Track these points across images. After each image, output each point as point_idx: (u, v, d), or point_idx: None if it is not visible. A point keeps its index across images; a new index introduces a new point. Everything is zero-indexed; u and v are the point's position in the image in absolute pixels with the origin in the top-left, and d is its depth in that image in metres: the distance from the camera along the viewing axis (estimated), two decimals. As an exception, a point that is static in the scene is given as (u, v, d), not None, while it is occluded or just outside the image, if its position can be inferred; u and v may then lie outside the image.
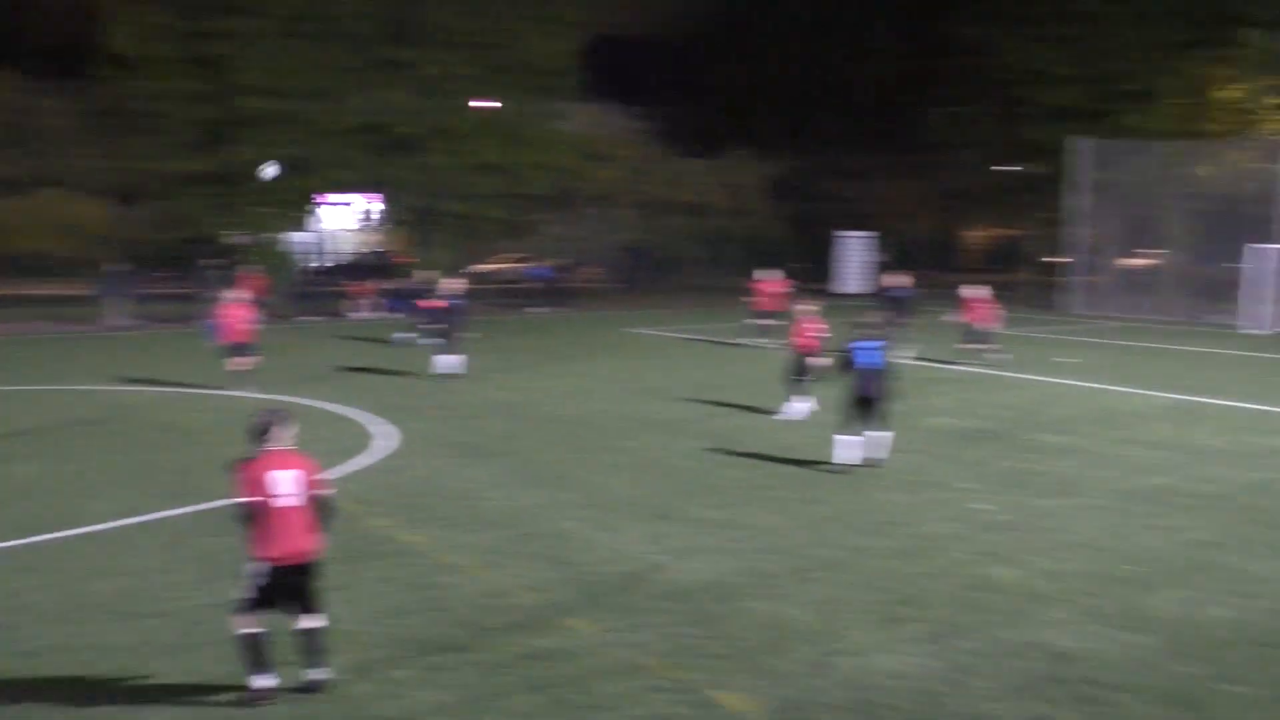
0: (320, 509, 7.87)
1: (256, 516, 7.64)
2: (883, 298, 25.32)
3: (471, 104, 46.71)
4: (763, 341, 28.74)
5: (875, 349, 14.83)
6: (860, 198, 59.72)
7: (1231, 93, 45.55)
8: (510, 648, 8.64)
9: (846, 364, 14.79)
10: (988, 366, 24.85)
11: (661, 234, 52.76)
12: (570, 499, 13.21)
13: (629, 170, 50.88)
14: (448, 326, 23.35)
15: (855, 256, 52.22)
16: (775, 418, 18.53)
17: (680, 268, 56.40)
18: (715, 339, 32.11)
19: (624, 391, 21.77)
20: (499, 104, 46.95)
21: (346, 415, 18.91)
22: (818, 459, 15.26)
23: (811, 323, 18.92)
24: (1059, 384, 22.76)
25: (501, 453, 15.93)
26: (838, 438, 14.77)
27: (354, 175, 45.33)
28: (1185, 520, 12.17)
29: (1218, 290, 43.64)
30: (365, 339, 31.69)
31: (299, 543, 7.71)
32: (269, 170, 20.93)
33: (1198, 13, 46.69)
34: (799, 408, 18.69)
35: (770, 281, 30.86)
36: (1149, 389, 21.92)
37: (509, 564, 10.73)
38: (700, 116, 70.39)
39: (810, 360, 18.53)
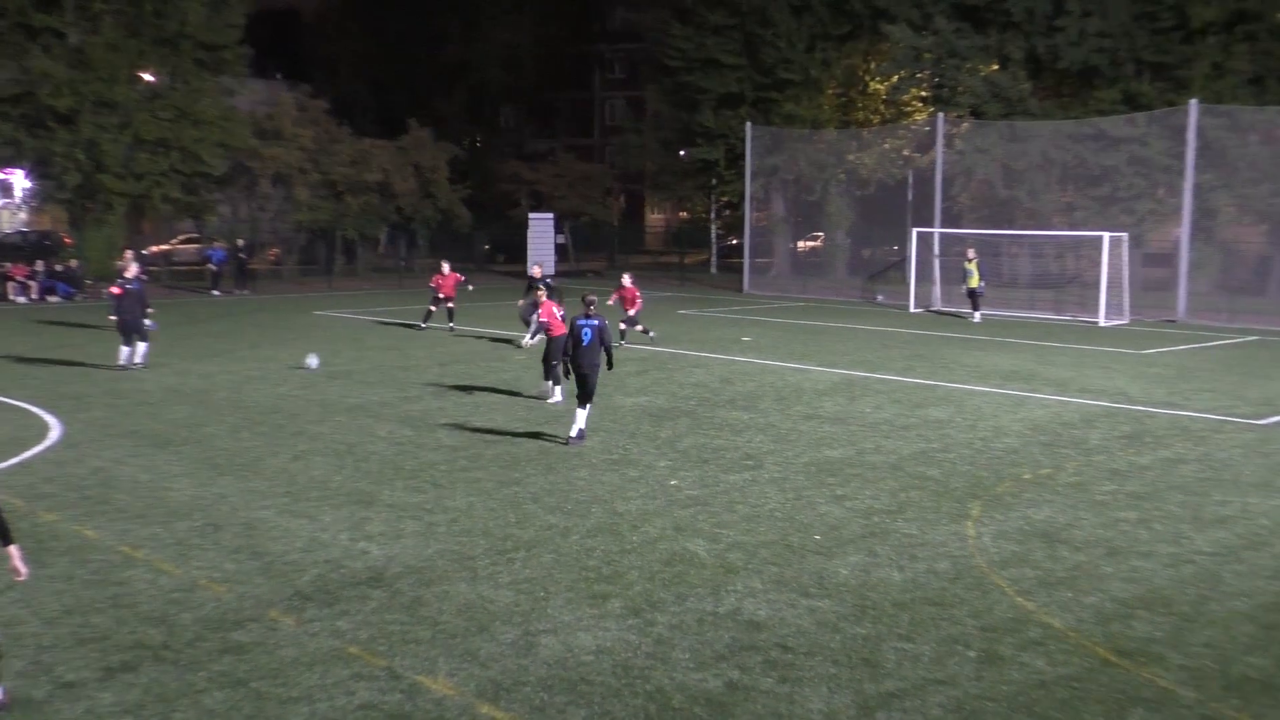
0: None
1: None
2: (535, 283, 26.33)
3: (144, 77, 44.11)
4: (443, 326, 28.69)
5: (593, 326, 15.21)
6: (542, 180, 60.31)
7: (883, 85, 48.74)
8: (203, 644, 8.27)
9: (573, 341, 15.22)
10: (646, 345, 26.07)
11: (347, 215, 51.51)
12: (262, 487, 12.74)
13: (310, 149, 49.35)
14: (125, 314, 21.78)
15: (545, 239, 52.69)
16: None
17: (368, 249, 55.30)
18: (407, 321, 31.68)
19: (314, 376, 21.16)
20: (161, 78, 44.58)
21: (9, 403, 17.53)
22: (516, 440, 15.36)
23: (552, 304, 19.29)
24: (742, 362, 23.77)
25: (185, 441, 15.19)
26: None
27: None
28: (860, 490, 12.98)
29: (883, 272, 46.66)
30: (29, 323, 29.42)
31: None
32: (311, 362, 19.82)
33: (851, 7, 49.60)
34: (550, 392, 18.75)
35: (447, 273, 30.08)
36: (822, 365, 23.22)
37: (198, 557, 10.25)
38: (378, 96, 69.13)
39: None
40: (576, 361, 15.23)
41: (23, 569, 7.17)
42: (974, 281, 34.27)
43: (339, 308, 36.33)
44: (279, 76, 59.95)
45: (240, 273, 43.83)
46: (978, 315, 34.21)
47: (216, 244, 46.18)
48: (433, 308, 29.24)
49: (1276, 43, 40.73)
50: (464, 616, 8.88)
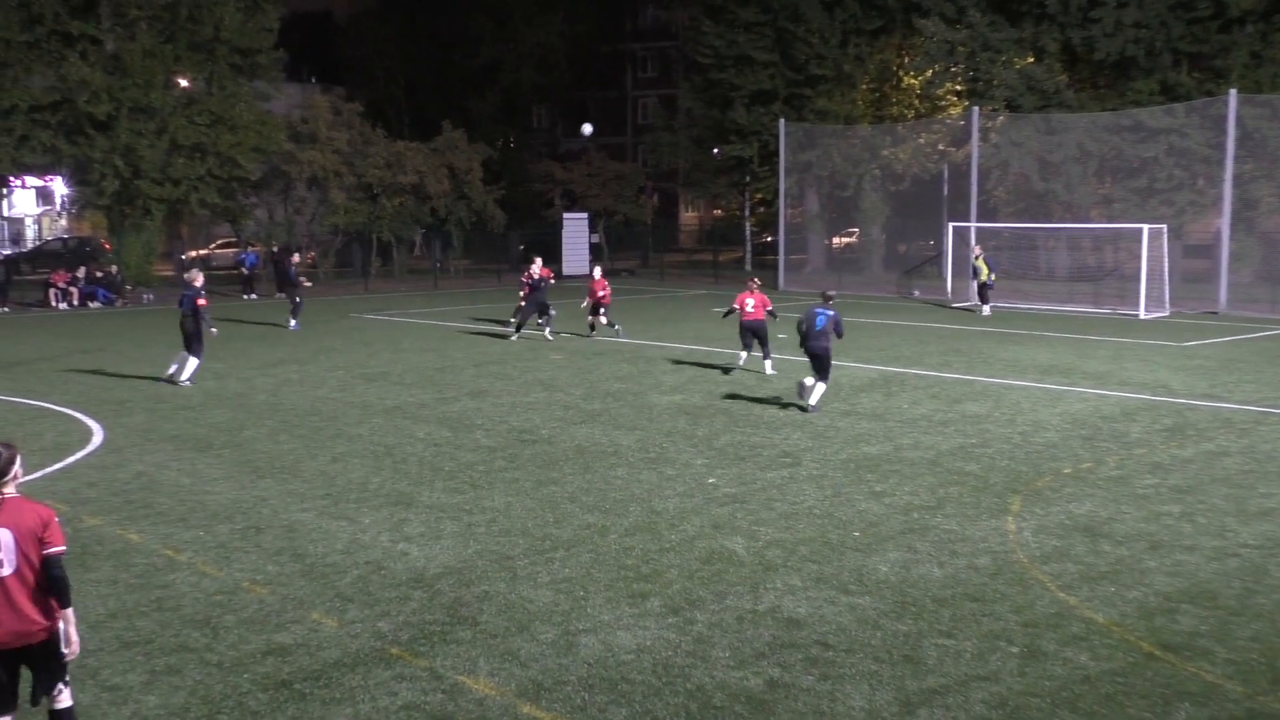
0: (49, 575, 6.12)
1: None
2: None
3: (180, 82, 44.57)
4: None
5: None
6: (575, 179, 60.40)
7: (917, 79, 48.50)
8: (246, 645, 8.34)
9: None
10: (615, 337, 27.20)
11: (382, 217, 51.81)
12: (302, 489, 12.83)
13: (344, 152, 49.68)
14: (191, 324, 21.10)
15: (579, 239, 52.78)
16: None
17: (403, 251, 55.61)
18: (442, 322, 31.82)
19: (351, 378, 21.31)
20: (197, 83, 45.04)
21: (52, 409, 17.74)
22: (554, 441, 15.41)
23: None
24: (777, 359, 23.67)
25: (225, 445, 15.32)
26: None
27: (39, 156, 42.47)
28: (898, 485, 12.93)
29: (918, 267, 46.37)
30: (70, 329, 29.76)
31: (13, 622, 6.05)
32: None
33: (883, 1, 49.36)
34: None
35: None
36: (859, 362, 23.12)
37: (241, 559, 10.34)
38: (412, 98, 69.50)
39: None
40: (809, 343, 17.64)
41: (74, 641, 6.31)
42: (984, 276, 34.13)
43: (375, 310, 36.52)
44: (313, 80, 60.47)
45: (280, 276, 44.10)
46: (986, 309, 33.93)
47: (251, 248, 46.54)
48: (521, 304, 28.85)
49: (1317, 30, 40.25)
50: (504, 616, 8.91)
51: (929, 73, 47.10)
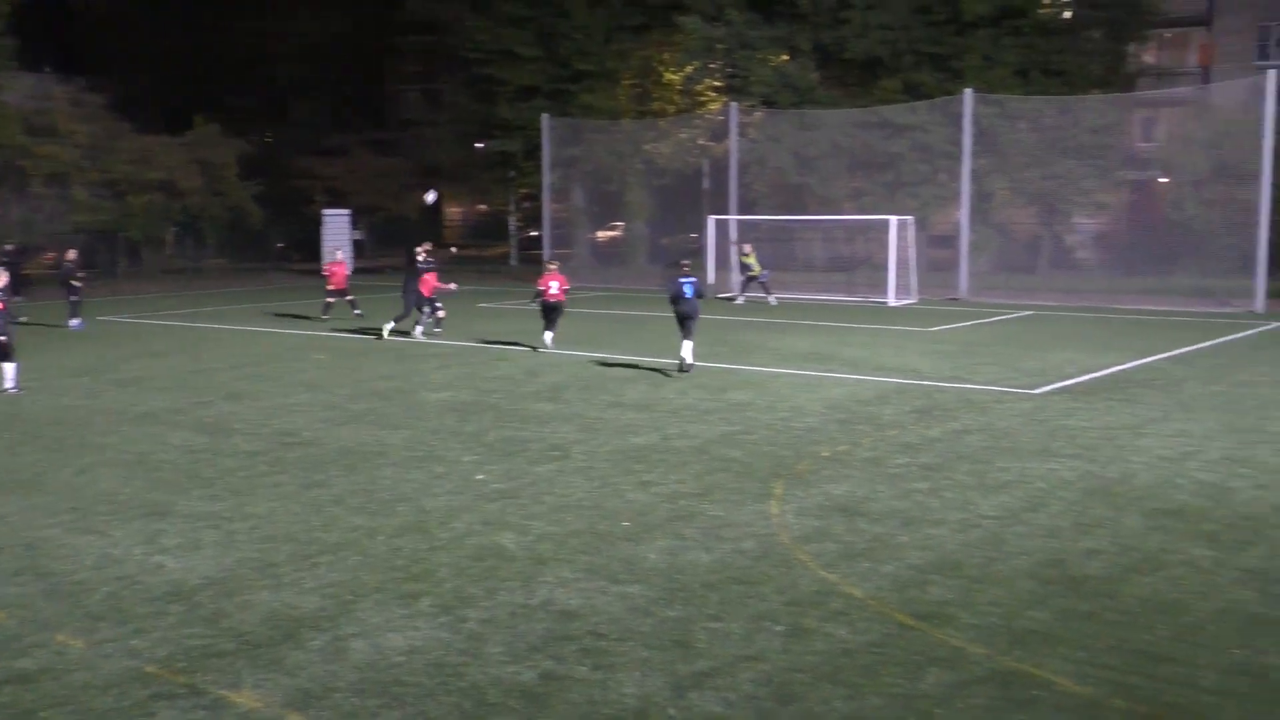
0: None
1: None
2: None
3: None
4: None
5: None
6: (338, 175, 59.03)
7: (677, 75, 49.48)
8: (-14, 673, 7.82)
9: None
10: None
11: (131, 215, 49.36)
12: (46, 504, 12.11)
13: (87, 147, 47.08)
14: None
15: (342, 235, 51.63)
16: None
17: (154, 250, 53.19)
18: (198, 324, 30.61)
19: (99, 384, 20.26)
20: None
21: None
22: (318, 442, 15.04)
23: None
24: (546, 353, 23.77)
25: (-42, 459, 14.32)
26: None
27: None
28: (666, 475, 13.16)
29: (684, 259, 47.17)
30: None
31: None
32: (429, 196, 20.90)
33: None
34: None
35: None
36: (626, 354, 23.42)
37: (-23, 581, 9.69)
38: (162, 90, 66.43)
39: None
40: (682, 307, 20.58)
41: None
42: (756, 271, 35.37)
43: (125, 312, 34.80)
44: (49, 70, 56.96)
45: (14, 279, 41.43)
46: (773, 298, 35.25)
47: None
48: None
49: (1039, 37, 43.10)
50: (269, 625, 8.64)
51: (689, 69, 48.04)
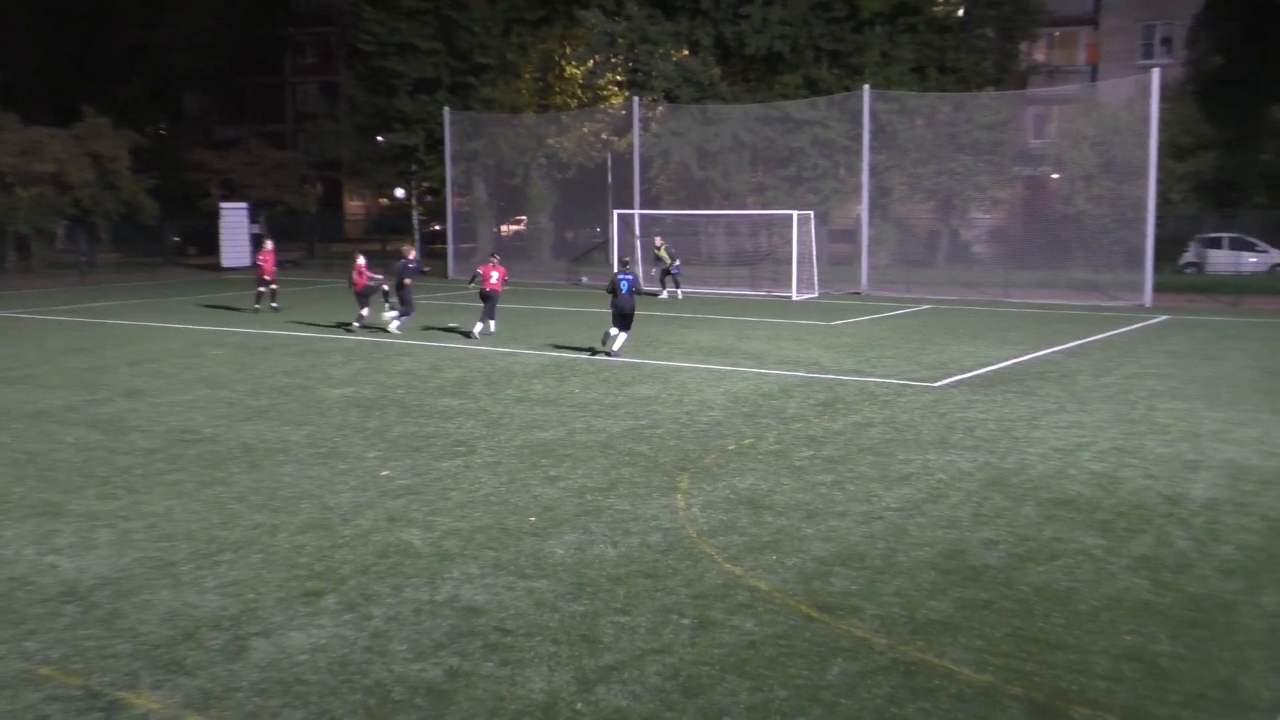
0: None
1: None
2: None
3: None
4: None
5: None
6: (234, 168, 57.89)
7: (579, 69, 49.42)
8: None
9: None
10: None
11: (18, 208, 47.84)
12: (-69, 505, 11.73)
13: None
14: None
15: (238, 229, 50.66)
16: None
17: (44, 245, 51.69)
18: (91, 319, 29.84)
19: (-14, 381, 19.64)
20: None
21: None
22: (218, 439, 14.77)
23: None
24: (451, 348, 23.62)
25: None
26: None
27: None
28: (572, 469, 13.16)
29: (586, 254, 47.27)
30: None
31: None
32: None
33: None
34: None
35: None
36: (531, 349, 23.37)
37: None
38: (48, 81, 64.50)
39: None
40: (619, 301, 21.71)
41: None
42: (668, 263, 35.83)
43: (13, 307, 33.77)
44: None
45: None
46: (680, 293, 35.58)
47: None
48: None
49: (933, 34, 43.89)
50: (167, 625, 8.47)
51: (590, 63, 47.99)
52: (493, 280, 25.31)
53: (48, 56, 65.66)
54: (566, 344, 23.94)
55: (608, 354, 21.69)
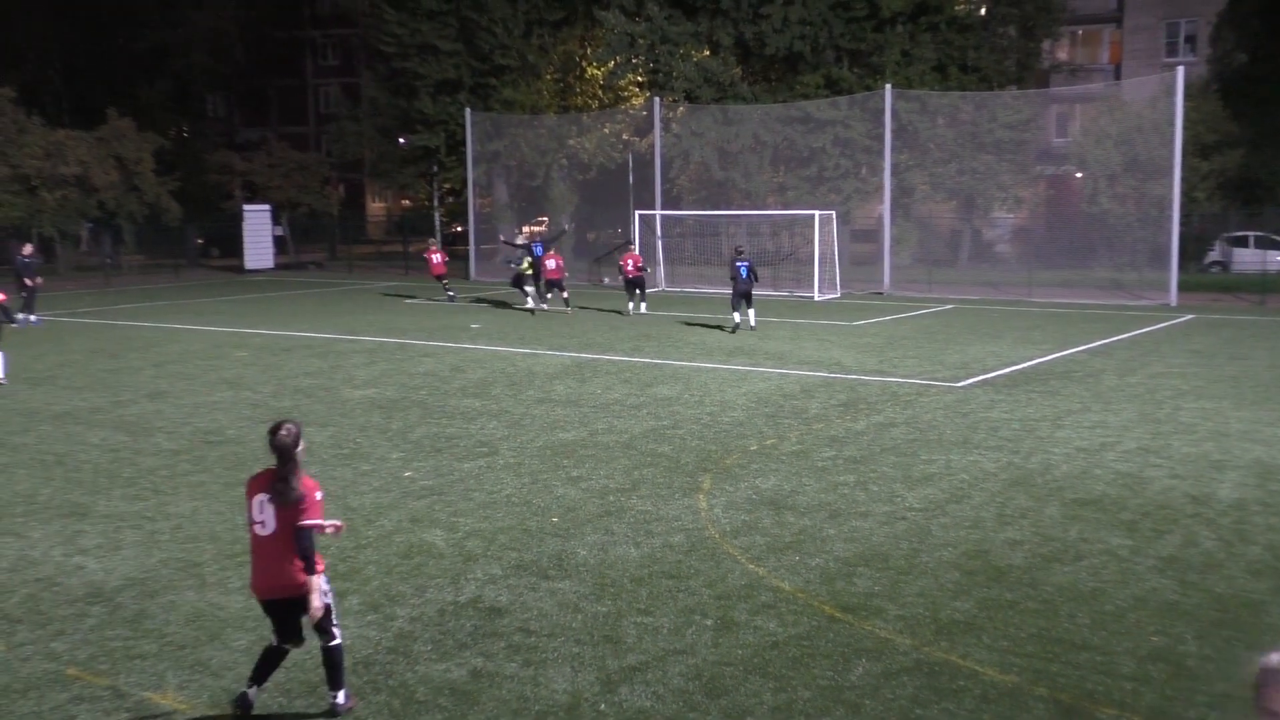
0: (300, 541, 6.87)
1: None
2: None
3: None
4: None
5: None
6: (256, 170, 58.10)
7: (600, 70, 49.43)
8: (-101, 681, 7.63)
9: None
10: None
11: (43, 211, 48.13)
12: (-42, 506, 11.82)
13: (-1, 142, 45.83)
14: None
15: (262, 230, 50.88)
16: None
17: (68, 247, 52.03)
18: (116, 321, 30.01)
19: (13, 383, 19.77)
20: None
21: None
22: (242, 441, 14.83)
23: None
24: (472, 349, 23.67)
25: None
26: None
27: None
28: (594, 470, 13.17)
29: (608, 254, 47.25)
30: None
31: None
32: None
33: None
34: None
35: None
36: (553, 349, 23.39)
37: (-112, 587, 9.43)
38: (71, 83, 64.87)
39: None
40: (741, 286, 25.94)
41: (314, 607, 6.97)
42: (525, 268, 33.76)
43: (38, 310, 33.93)
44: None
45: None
46: (544, 305, 32.22)
47: None
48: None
49: (955, 33, 43.72)
50: (193, 626, 8.52)
51: (611, 64, 47.99)
52: (550, 267, 30.49)
53: (70, 60, 66.06)
54: (574, 351, 23.95)
55: (748, 328, 25.99)
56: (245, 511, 7.07)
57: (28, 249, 30.43)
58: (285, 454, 6.87)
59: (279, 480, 6.85)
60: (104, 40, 66.78)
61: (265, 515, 6.88)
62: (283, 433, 6.91)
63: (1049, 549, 10.17)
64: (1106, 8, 58.36)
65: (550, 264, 29.92)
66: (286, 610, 7.03)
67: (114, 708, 7.20)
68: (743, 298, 26.04)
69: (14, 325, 22.86)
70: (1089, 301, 33.87)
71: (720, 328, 26.72)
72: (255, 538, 6.96)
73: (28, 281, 29.16)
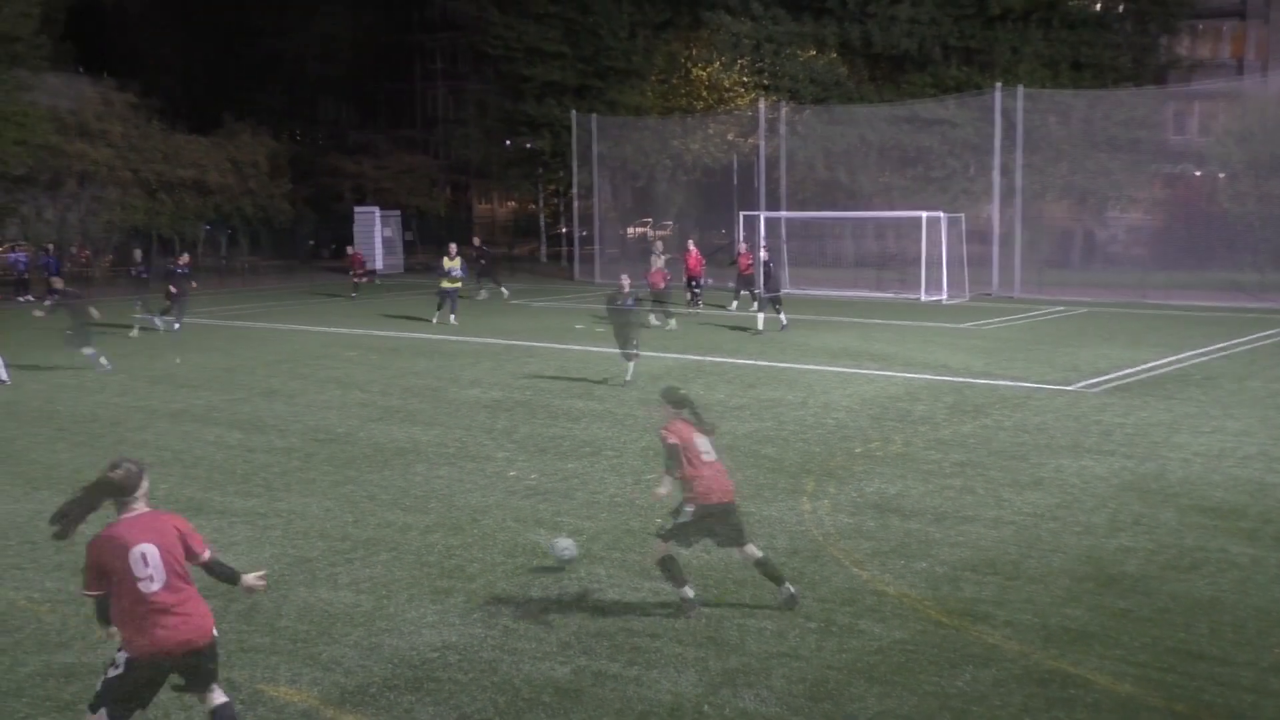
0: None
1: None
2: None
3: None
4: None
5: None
6: (366, 173, 59.16)
7: (705, 71, 49.36)
8: (23, 668, 7.91)
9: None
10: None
11: (162, 213, 49.61)
12: (82, 500, 12.20)
13: (119, 146, 47.27)
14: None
15: (371, 232, 51.79)
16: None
17: (186, 248, 53.54)
18: (231, 321, 30.78)
19: (133, 381, 20.41)
20: None
21: None
22: (350, 439, 15.11)
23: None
24: (576, 350, 23.81)
25: (-5, 456, 14.46)
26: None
27: None
28: (697, 471, 13.12)
29: (712, 255, 47.20)
30: None
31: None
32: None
33: None
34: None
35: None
36: (654, 351, 23.38)
37: (14, 577, 9.80)
38: (190, 89, 66.72)
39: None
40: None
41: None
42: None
43: (158, 310, 34.95)
44: (80, 70, 57.33)
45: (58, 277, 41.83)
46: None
47: (19, 248, 44.03)
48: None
49: (1067, 30, 42.78)
50: (303, 620, 8.69)
51: (716, 65, 47.91)
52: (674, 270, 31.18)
53: (189, 66, 68.00)
54: (677, 353, 23.90)
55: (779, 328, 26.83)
56: (107, 575, 6.31)
57: (184, 259, 31.14)
58: (125, 491, 6.40)
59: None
60: (221, 48, 68.61)
61: (151, 567, 6.20)
62: (120, 471, 6.40)
63: (1164, 556, 9.89)
64: (1230, 2, 56.57)
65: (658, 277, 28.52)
66: (199, 660, 6.40)
67: (230, 699, 7.36)
68: (771, 301, 26.96)
69: (156, 328, 23.53)
70: (1207, 303, 32.89)
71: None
72: (142, 595, 6.20)
73: (173, 289, 29.83)
